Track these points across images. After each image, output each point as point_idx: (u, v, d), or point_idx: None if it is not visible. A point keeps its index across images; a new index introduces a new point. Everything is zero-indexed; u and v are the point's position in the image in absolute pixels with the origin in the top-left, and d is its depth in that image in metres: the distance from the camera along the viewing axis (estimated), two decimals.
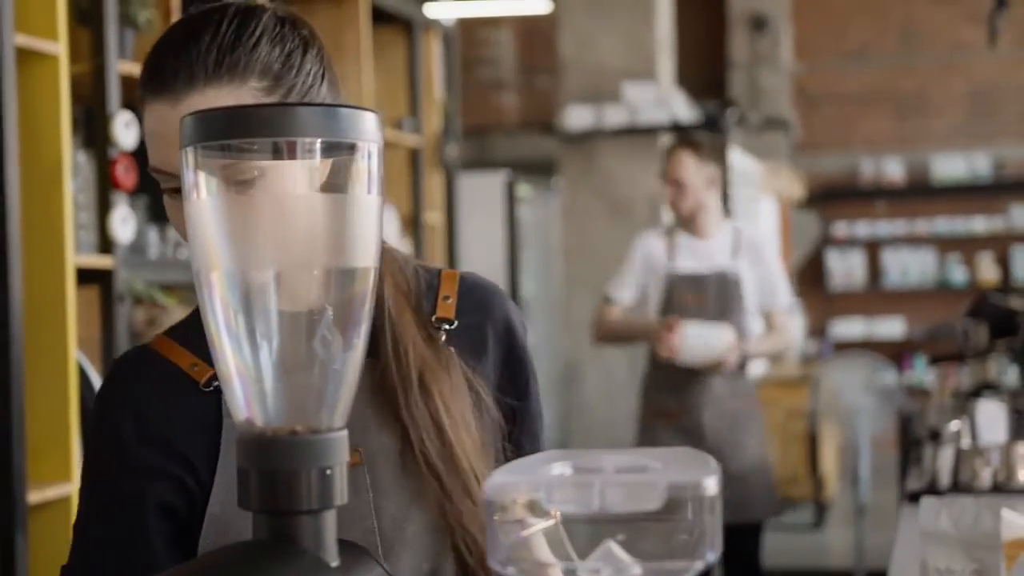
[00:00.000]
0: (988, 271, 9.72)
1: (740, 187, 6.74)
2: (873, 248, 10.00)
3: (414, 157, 4.68)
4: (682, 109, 6.35)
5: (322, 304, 0.77)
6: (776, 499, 4.05)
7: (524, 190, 7.60)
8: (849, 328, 9.92)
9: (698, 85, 8.57)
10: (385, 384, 1.16)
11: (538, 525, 0.72)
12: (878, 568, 2.76)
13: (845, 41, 10.02)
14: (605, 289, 4.16)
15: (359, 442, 1.13)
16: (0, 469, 2.49)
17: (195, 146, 0.76)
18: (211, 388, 1.15)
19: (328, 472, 0.75)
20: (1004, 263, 9.78)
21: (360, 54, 4.16)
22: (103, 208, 2.84)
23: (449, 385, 1.17)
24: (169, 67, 1.09)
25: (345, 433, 0.78)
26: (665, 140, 5.75)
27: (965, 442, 2.62)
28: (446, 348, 1.20)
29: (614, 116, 6.26)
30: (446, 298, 1.23)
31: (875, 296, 9.98)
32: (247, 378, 0.77)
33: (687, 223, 3.98)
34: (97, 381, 2.73)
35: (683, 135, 4.41)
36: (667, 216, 4.10)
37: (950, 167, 9.82)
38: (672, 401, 3.92)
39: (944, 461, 2.53)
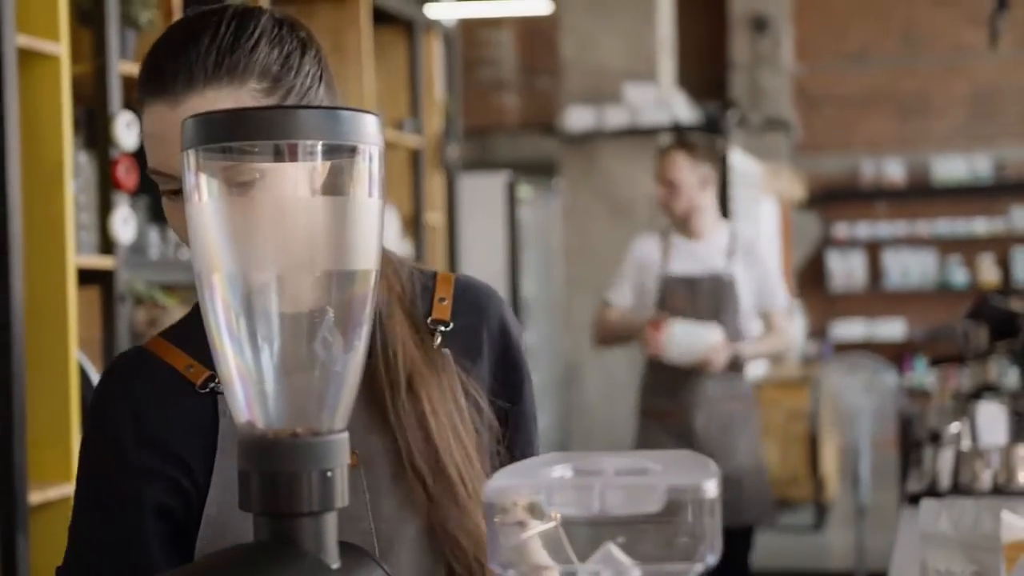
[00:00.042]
0: (989, 273, 9.73)
1: (741, 188, 6.74)
2: (874, 249, 10.00)
3: (415, 158, 4.68)
4: (683, 110, 6.35)
5: (323, 306, 0.78)
6: (771, 503, 4.03)
7: (525, 191, 7.60)
8: (849, 329, 9.92)
9: (699, 86, 8.57)
10: (374, 386, 1.16)
11: (538, 527, 0.72)
12: (878, 570, 2.76)
13: (846, 42, 10.02)
14: (603, 293, 4.17)
15: (355, 444, 1.13)
16: (1, 469, 2.49)
17: (196, 148, 0.77)
18: (207, 390, 1.15)
19: (329, 474, 0.76)
20: (1005, 265, 9.78)
21: (361, 55, 4.16)
22: (104, 208, 2.84)
23: (438, 388, 1.17)
24: (168, 69, 1.10)
25: (346, 435, 0.78)
26: (661, 140, 5.75)
27: (965, 444, 2.62)
28: (440, 351, 1.20)
29: (615, 117, 6.26)
30: (441, 300, 1.23)
31: (876, 297, 9.98)
32: (248, 380, 0.77)
33: (682, 224, 3.97)
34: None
35: (677, 136, 4.41)
36: (666, 218, 4.09)
37: (951, 168, 9.83)
38: (666, 402, 3.93)
39: (944, 463, 2.53)
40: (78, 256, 2.71)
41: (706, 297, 3.90)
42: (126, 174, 2.85)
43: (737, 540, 3.91)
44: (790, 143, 9.46)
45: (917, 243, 9.89)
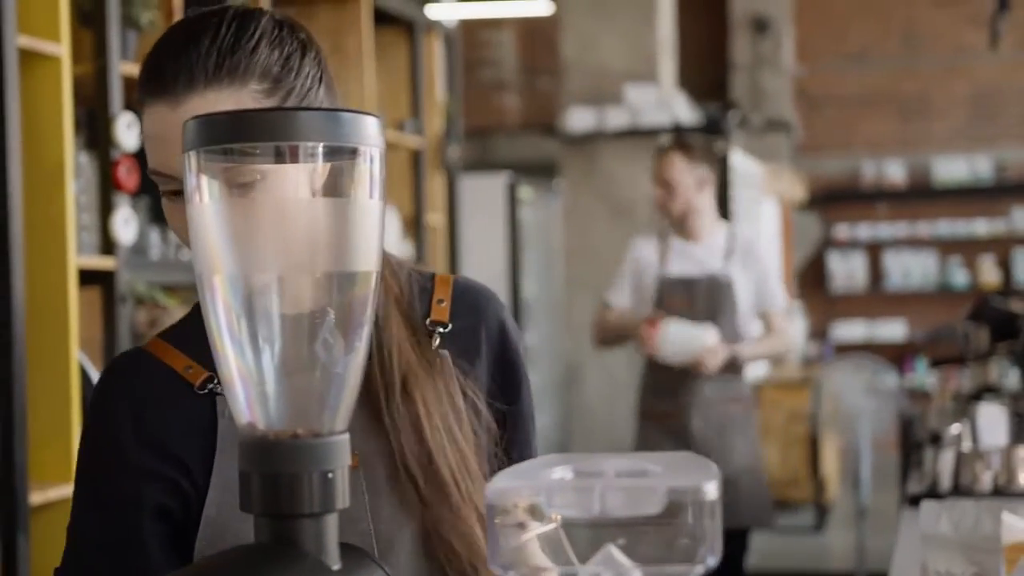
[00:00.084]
0: (989, 274, 9.73)
1: (741, 189, 6.74)
2: (874, 250, 10.00)
3: (416, 158, 4.68)
4: (683, 111, 6.35)
5: (324, 307, 0.78)
6: (769, 506, 4.02)
7: (526, 192, 7.60)
8: (850, 330, 9.92)
9: (700, 87, 8.57)
10: (369, 388, 1.16)
11: (539, 529, 0.72)
12: (879, 571, 2.76)
13: (847, 43, 10.02)
14: (603, 294, 4.17)
15: (353, 445, 1.13)
16: (2, 470, 2.50)
17: (198, 150, 0.77)
18: (206, 391, 1.15)
19: (330, 475, 0.76)
20: (1005, 266, 9.78)
21: (362, 55, 4.16)
22: (105, 209, 2.84)
23: (433, 391, 1.17)
24: (169, 70, 1.09)
25: (347, 436, 0.78)
26: (659, 142, 5.76)
27: (966, 445, 2.62)
28: (438, 352, 1.20)
29: (616, 118, 6.26)
30: (440, 301, 1.23)
31: (876, 298, 9.98)
32: (249, 381, 0.77)
33: (679, 226, 3.97)
34: None
35: (675, 137, 4.41)
36: (664, 219, 4.09)
37: (952, 169, 9.83)
38: (664, 402, 3.93)
39: (945, 464, 2.53)
40: (79, 257, 2.71)
41: (703, 298, 3.90)
42: (127, 175, 2.85)
43: (733, 542, 3.91)
44: (791, 144, 9.46)
45: (918, 244, 9.89)
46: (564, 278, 6.59)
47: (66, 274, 2.62)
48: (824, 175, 9.98)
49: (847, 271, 9.99)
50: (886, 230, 9.93)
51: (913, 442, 4.06)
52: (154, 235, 3.12)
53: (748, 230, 4.64)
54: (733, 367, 3.90)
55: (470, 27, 9.19)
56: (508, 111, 9.90)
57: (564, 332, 6.71)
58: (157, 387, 1.16)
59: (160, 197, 1.14)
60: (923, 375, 9.12)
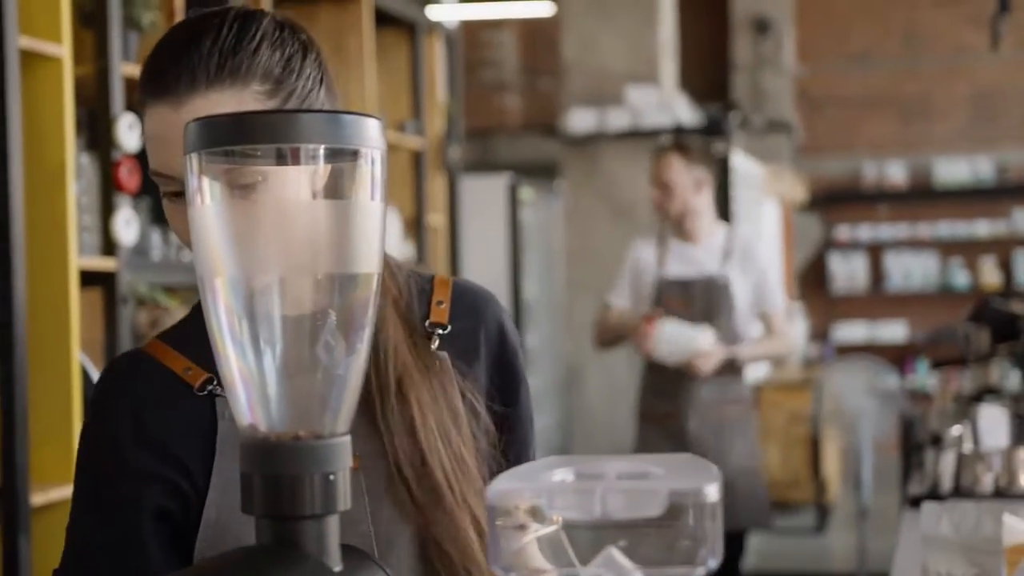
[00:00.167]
0: (990, 275, 9.72)
1: (742, 190, 6.74)
2: (875, 252, 10.00)
3: (417, 159, 4.69)
4: (685, 112, 6.35)
5: (325, 309, 0.78)
6: (766, 508, 4.02)
7: (527, 193, 7.60)
8: (851, 332, 9.92)
9: (701, 88, 8.57)
10: (366, 389, 1.16)
11: (540, 531, 0.72)
12: (880, 572, 2.76)
13: (848, 44, 10.02)
14: (605, 296, 4.18)
15: (354, 446, 1.13)
16: (3, 470, 2.50)
17: (199, 152, 0.77)
18: (205, 392, 1.15)
19: (331, 477, 0.76)
20: (1006, 267, 9.78)
21: (363, 56, 4.16)
22: (106, 210, 2.84)
23: (429, 393, 1.17)
24: (170, 71, 1.09)
25: (348, 438, 0.78)
26: (657, 143, 5.76)
27: (967, 447, 2.62)
28: (436, 354, 1.20)
29: (617, 119, 6.26)
30: (439, 303, 1.23)
31: (877, 300, 9.98)
32: (251, 383, 0.77)
33: (677, 227, 3.98)
34: None
35: (672, 138, 4.42)
36: (661, 220, 4.09)
37: (953, 171, 9.82)
38: (662, 404, 3.93)
39: (946, 466, 2.53)
40: (80, 258, 2.71)
41: (700, 300, 3.90)
42: (128, 176, 2.85)
43: (729, 544, 3.90)
44: (792, 145, 9.46)
45: (919, 245, 9.89)
46: (565, 279, 6.59)
47: (67, 275, 2.63)
48: (825, 176, 9.98)
49: (848, 272, 9.99)
50: (887, 231, 9.93)
51: (914, 443, 4.06)
52: (155, 236, 3.12)
53: (747, 231, 4.64)
54: (732, 368, 3.90)
55: (471, 28, 9.20)
56: (509, 112, 9.90)
57: (565, 333, 6.71)
58: (156, 388, 1.16)
59: (161, 198, 1.14)
60: (924, 376, 9.11)
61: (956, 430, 2.68)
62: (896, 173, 9.94)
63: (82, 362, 2.69)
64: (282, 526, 0.76)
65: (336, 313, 0.78)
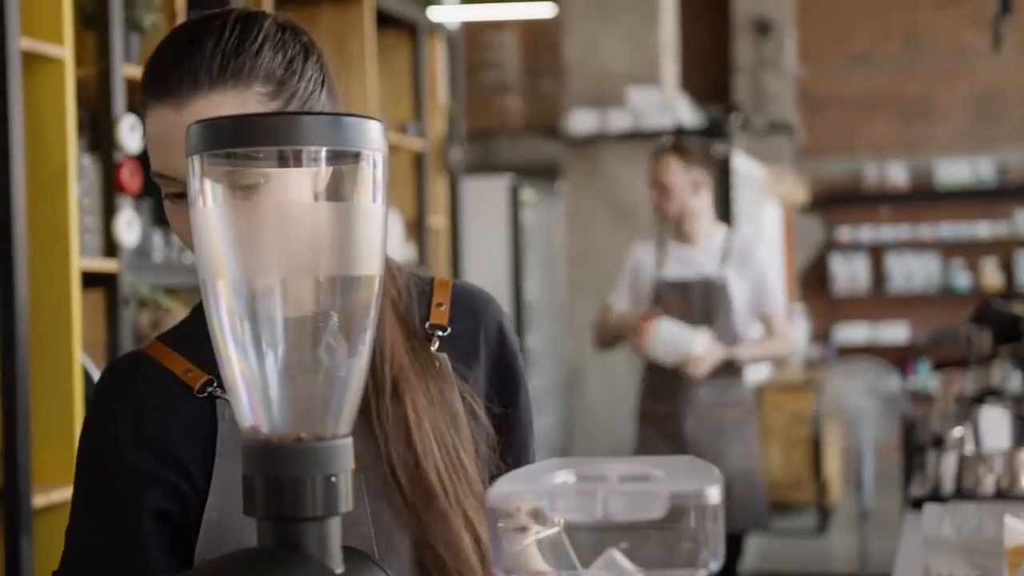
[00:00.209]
0: (992, 276, 9.72)
1: (744, 191, 6.74)
2: (877, 253, 10.00)
3: (418, 161, 4.69)
4: (686, 113, 6.35)
5: (327, 311, 0.78)
6: (764, 512, 4.02)
7: (528, 194, 7.60)
8: (853, 333, 9.92)
9: (702, 89, 8.58)
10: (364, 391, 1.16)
11: (541, 533, 0.72)
12: (881, 574, 2.76)
13: (849, 45, 10.02)
14: (606, 297, 4.18)
15: (354, 448, 1.13)
16: (5, 472, 2.50)
17: (201, 154, 0.77)
18: (205, 394, 1.15)
19: (333, 479, 0.76)
20: (1008, 268, 9.78)
21: (365, 58, 4.16)
22: (108, 212, 2.84)
23: (426, 395, 1.17)
24: (173, 72, 1.09)
25: (350, 440, 0.78)
26: (656, 144, 5.77)
27: (968, 448, 2.62)
28: (436, 356, 1.19)
29: (618, 120, 6.27)
30: (439, 305, 1.23)
31: (879, 301, 9.98)
32: (253, 385, 0.77)
33: (675, 228, 3.98)
34: None
35: (670, 139, 4.42)
36: (660, 221, 4.10)
37: (954, 172, 9.82)
38: (661, 405, 3.94)
39: (947, 467, 2.53)
40: (82, 259, 2.71)
41: (698, 301, 3.90)
42: (130, 177, 2.85)
43: (726, 545, 3.90)
44: (793, 146, 9.46)
45: (920, 247, 9.89)
46: (566, 280, 6.59)
47: (69, 276, 2.63)
48: (826, 177, 9.98)
49: (849, 273, 9.99)
50: (888, 232, 9.93)
51: (915, 445, 4.06)
52: (157, 237, 3.12)
53: (746, 233, 4.64)
54: (732, 370, 3.90)
55: (472, 29, 9.20)
56: (510, 113, 9.90)
57: (566, 335, 6.71)
58: (156, 390, 1.16)
59: (163, 199, 1.14)
60: (925, 378, 9.11)
61: (958, 431, 2.68)
62: (897, 174, 9.94)
63: (84, 363, 2.69)
64: (284, 528, 0.76)
65: (338, 315, 0.78)
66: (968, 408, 3.20)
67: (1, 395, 2.51)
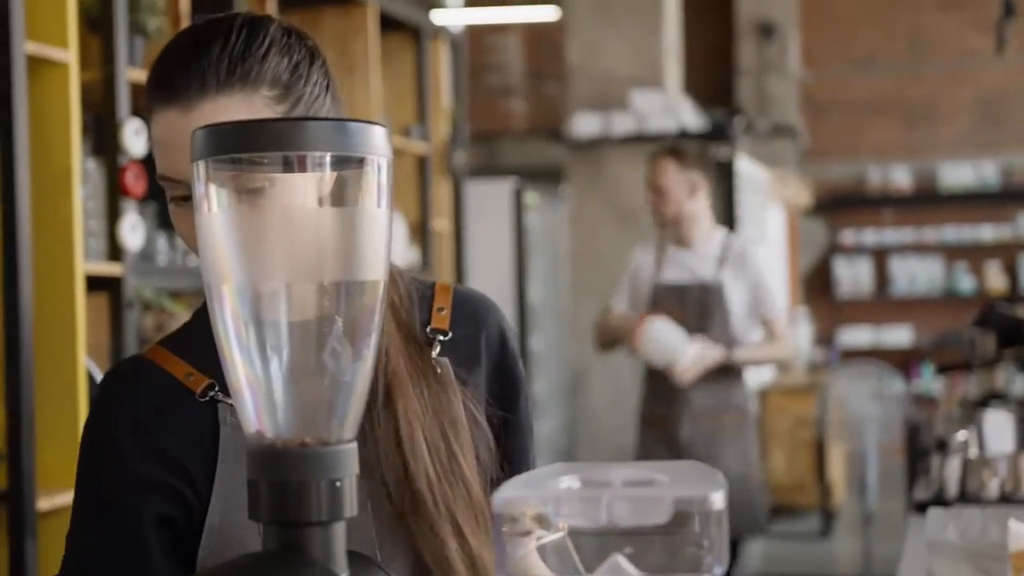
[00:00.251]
0: (996, 280, 9.71)
1: (747, 195, 6.74)
2: (880, 256, 10.00)
3: (422, 164, 4.69)
4: (689, 117, 6.35)
5: (332, 316, 0.78)
6: (761, 517, 4.01)
7: (532, 197, 7.60)
8: (856, 336, 9.92)
9: (706, 93, 8.58)
10: None
11: (546, 538, 0.72)
12: None
13: (853, 49, 10.02)
14: (608, 300, 4.19)
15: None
16: (10, 475, 2.50)
17: (207, 159, 0.77)
18: (207, 398, 1.14)
19: (338, 483, 0.76)
20: (1012, 272, 9.77)
21: (368, 61, 4.17)
22: (112, 215, 2.85)
23: (420, 401, 1.16)
24: (179, 75, 1.09)
25: (355, 445, 0.78)
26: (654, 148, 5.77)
27: (972, 452, 2.62)
28: (437, 361, 1.19)
29: (622, 124, 6.26)
30: (440, 309, 1.23)
31: (882, 304, 9.97)
32: (257, 389, 0.77)
33: (673, 231, 3.98)
34: None
35: (668, 142, 4.42)
36: (657, 225, 4.10)
37: (958, 175, 9.82)
38: (660, 409, 3.94)
39: (951, 471, 2.52)
40: (86, 263, 2.72)
41: (694, 305, 3.90)
42: (134, 181, 2.85)
43: None
44: (797, 150, 9.46)
45: (924, 250, 9.88)
46: (570, 284, 6.59)
47: (73, 280, 2.63)
48: (830, 181, 9.98)
49: (853, 277, 9.99)
50: (892, 236, 9.92)
51: (919, 448, 4.06)
52: (161, 241, 3.12)
53: (745, 237, 4.64)
54: (730, 373, 3.90)
55: (476, 32, 9.20)
56: (514, 116, 9.91)
57: (570, 338, 6.71)
58: (158, 395, 1.16)
59: (167, 203, 1.14)
60: (929, 381, 9.10)
61: (962, 435, 2.68)
62: (901, 177, 9.94)
63: (88, 367, 2.70)
64: (288, 532, 0.76)
65: (342, 320, 0.78)
66: (972, 412, 3.20)
67: (5, 398, 2.52)
